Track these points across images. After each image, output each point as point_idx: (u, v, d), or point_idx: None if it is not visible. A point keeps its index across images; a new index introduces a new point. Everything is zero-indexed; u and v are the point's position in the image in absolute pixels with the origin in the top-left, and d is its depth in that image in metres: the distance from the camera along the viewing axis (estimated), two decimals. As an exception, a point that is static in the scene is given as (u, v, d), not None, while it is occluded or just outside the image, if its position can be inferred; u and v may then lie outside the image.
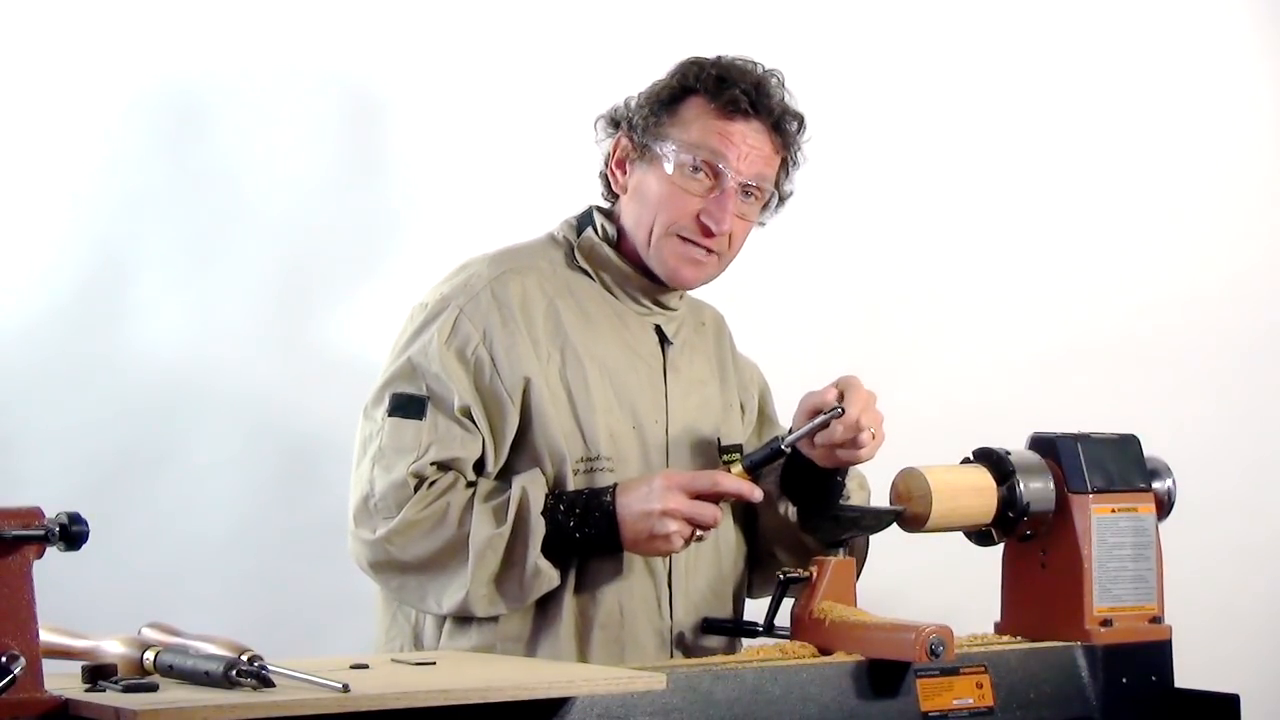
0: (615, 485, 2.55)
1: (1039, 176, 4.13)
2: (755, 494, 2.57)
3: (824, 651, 2.44)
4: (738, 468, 2.58)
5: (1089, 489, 2.59)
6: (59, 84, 3.34)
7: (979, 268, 4.08)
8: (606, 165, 2.71)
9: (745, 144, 2.62)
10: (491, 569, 2.50)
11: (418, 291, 2.68)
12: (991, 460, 2.60)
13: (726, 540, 2.71)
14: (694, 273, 2.67)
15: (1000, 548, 2.66)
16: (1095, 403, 3.90)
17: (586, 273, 2.69)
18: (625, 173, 2.68)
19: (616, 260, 2.67)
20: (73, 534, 1.90)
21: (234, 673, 1.93)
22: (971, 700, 2.45)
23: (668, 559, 2.61)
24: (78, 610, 2.32)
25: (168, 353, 3.41)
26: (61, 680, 1.97)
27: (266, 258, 3.48)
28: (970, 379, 3.99)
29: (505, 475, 2.57)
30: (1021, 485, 2.57)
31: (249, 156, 3.46)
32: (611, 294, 2.69)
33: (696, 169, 2.61)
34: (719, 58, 2.67)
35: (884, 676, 2.39)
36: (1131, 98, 4.21)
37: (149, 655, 2.02)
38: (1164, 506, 2.67)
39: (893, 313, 3.99)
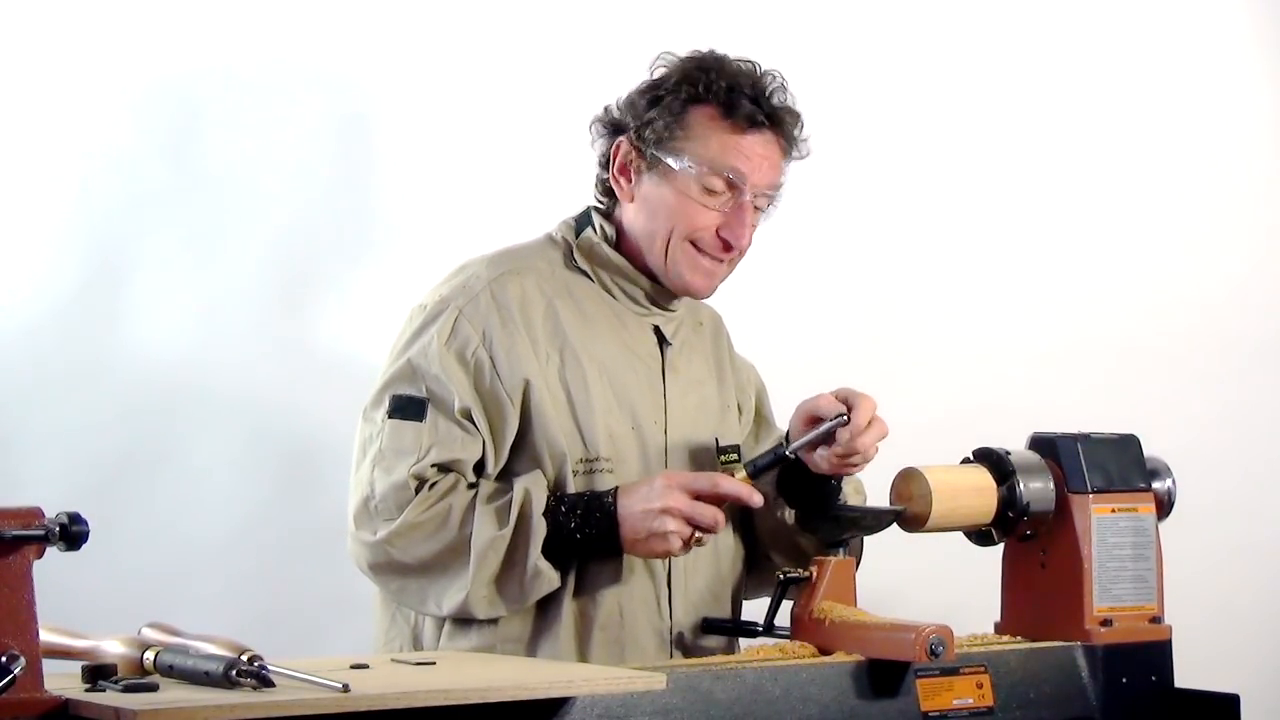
0: (617, 488, 2.55)
1: (1039, 177, 4.13)
2: (755, 499, 2.56)
3: (824, 651, 2.44)
4: (741, 473, 2.57)
5: (1089, 489, 2.58)
6: (58, 84, 3.34)
7: (979, 268, 4.08)
8: (606, 170, 2.68)
9: (759, 156, 2.61)
10: (492, 570, 2.50)
11: (417, 293, 2.68)
12: (991, 460, 2.60)
13: (725, 542, 2.70)
14: (708, 283, 2.67)
15: (1000, 548, 2.66)
16: (1095, 403, 3.90)
17: (585, 273, 2.69)
18: (630, 180, 2.66)
19: (618, 260, 2.67)
20: (73, 534, 1.91)
21: (234, 673, 1.93)
22: (971, 700, 2.45)
23: (667, 560, 2.61)
24: (78, 610, 2.31)
25: (167, 353, 3.41)
26: (61, 680, 1.97)
27: (266, 259, 3.48)
28: (970, 379, 3.99)
29: (505, 476, 2.57)
30: (1021, 485, 2.57)
31: (248, 157, 3.46)
32: (610, 294, 2.68)
33: (714, 186, 2.61)
34: (718, 58, 2.66)
35: (884, 676, 2.39)
36: (1132, 99, 4.21)
37: (149, 655, 2.02)
38: (1164, 506, 2.67)
39: (893, 313, 3.99)
